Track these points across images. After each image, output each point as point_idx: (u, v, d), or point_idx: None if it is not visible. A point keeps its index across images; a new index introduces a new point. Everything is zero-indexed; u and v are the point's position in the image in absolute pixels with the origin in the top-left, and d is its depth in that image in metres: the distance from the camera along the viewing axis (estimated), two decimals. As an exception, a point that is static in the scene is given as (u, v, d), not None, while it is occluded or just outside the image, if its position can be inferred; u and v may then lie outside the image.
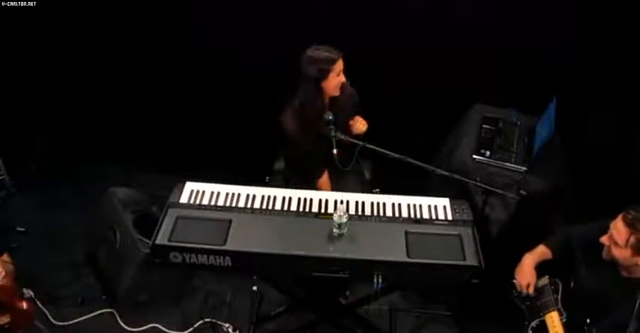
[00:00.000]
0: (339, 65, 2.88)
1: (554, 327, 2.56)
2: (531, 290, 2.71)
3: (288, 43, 3.71)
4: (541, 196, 3.13)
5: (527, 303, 2.78)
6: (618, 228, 2.37)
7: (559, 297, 2.68)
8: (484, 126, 3.49)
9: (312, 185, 3.11)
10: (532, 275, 2.72)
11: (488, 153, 3.25)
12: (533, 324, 2.68)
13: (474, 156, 3.27)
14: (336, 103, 3.02)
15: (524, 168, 3.19)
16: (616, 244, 2.39)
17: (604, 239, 2.45)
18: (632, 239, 2.34)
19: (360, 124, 3.11)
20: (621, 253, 2.39)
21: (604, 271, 2.51)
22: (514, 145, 3.37)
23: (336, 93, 2.97)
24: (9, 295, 2.71)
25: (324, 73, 2.86)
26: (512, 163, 3.23)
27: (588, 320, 2.52)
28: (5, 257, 2.83)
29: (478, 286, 2.52)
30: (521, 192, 2.78)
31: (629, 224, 2.34)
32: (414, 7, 3.56)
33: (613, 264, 2.48)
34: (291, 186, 3.14)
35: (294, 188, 2.88)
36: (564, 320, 2.59)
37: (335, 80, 2.90)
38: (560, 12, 3.44)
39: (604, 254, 2.48)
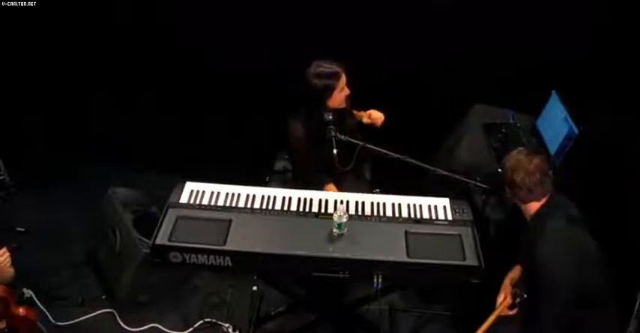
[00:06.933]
0: (343, 80, 2.87)
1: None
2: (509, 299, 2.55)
3: (289, 43, 3.74)
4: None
5: None
6: None
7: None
8: (490, 135, 3.41)
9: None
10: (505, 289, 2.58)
11: None
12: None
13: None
14: (342, 114, 3.03)
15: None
16: None
17: None
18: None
19: (376, 115, 3.10)
20: None
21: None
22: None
23: (343, 106, 2.99)
24: (2, 303, 2.64)
25: (329, 90, 2.86)
26: None
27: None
28: (5, 250, 2.78)
29: (478, 286, 2.52)
30: None
31: None
32: (412, 7, 3.56)
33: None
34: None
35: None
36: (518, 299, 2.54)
37: (340, 95, 2.91)
38: (560, 11, 3.44)
39: None
